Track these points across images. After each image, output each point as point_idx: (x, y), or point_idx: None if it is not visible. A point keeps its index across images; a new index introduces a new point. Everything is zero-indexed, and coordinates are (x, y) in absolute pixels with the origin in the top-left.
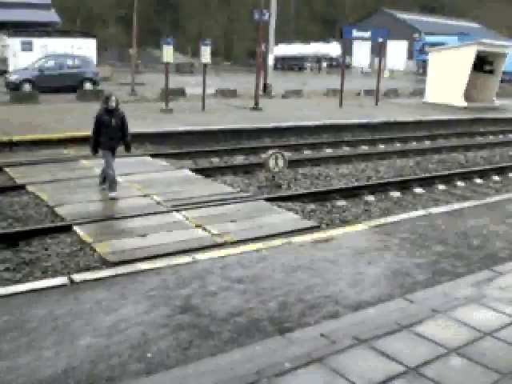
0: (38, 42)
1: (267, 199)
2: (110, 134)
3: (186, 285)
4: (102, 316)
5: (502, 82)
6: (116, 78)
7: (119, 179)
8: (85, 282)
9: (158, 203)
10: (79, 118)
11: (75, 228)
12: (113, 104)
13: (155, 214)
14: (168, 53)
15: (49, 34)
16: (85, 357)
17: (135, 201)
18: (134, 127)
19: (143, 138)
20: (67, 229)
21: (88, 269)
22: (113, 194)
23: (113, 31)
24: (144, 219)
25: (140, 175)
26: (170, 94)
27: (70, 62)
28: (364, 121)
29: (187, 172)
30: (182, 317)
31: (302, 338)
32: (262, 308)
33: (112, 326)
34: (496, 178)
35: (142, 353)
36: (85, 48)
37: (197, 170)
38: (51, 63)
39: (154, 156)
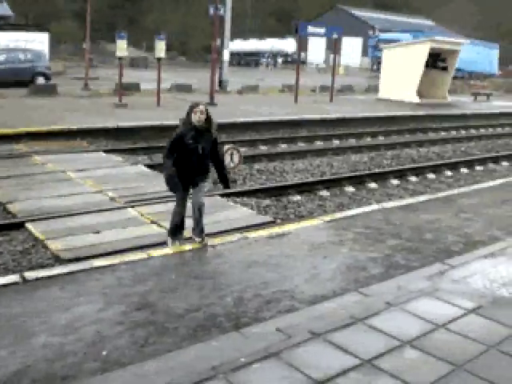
0: None
1: (223, 195)
2: (193, 166)
3: (141, 281)
4: (57, 314)
5: (454, 78)
6: (70, 72)
7: (71, 175)
8: (38, 279)
9: (113, 199)
10: (31, 112)
11: (27, 225)
12: (202, 118)
13: (109, 210)
14: (121, 47)
15: (0, 28)
16: (40, 356)
17: (89, 197)
18: (87, 122)
19: (97, 134)
20: (19, 226)
21: (41, 266)
22: (176, 243)
23: (68, 26)
24: (98, 215)
25: (94, 171)
26: (125, 89)
27: (21, 57)
28: (319, 116)
29: (142, 168)
30: (138, 314)
31: (259, 333)
32: (218, 304)
33: (67, 324)
34: (448, 173)
35: (98, 351)
36: (37, 42)
37: (152, 166)
38: (2, 57)
39: (108, 152)
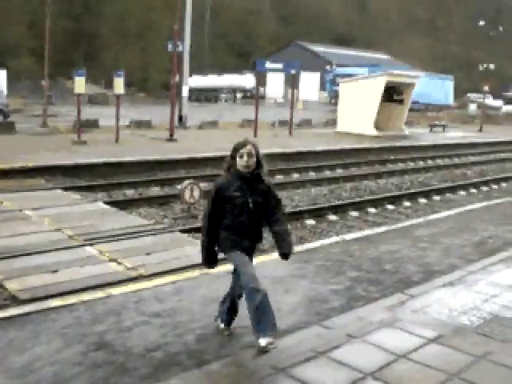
0: None
1: (183, 230)
2: (243, 224)
3: (100, 321)
4: (13, 356)
5: (411, 110)
6: (28, 109)
7: (29, 213)
8: None
9: (71, 237)
10: None
11: None
12: (251, 163)
13: (67, 248)
14: (80, 84)
15: None
16: None
17: (47, 236)
18: (44, 160)
19: (55, 171)
20: None
21: None
22: (222, 325)
23: (26, 62)
24: (56, 254)
25: (51, 209)
26: (83, 126)
27: None
28: (278, 150)
29: (101, 205)
30: (97, 354)
31: (220, 370)
32: (179, 342)
33: (25, 366)
34: (407, 203)
35: None
36: None
37: (111, 203)
38: None
39: (66, 189)
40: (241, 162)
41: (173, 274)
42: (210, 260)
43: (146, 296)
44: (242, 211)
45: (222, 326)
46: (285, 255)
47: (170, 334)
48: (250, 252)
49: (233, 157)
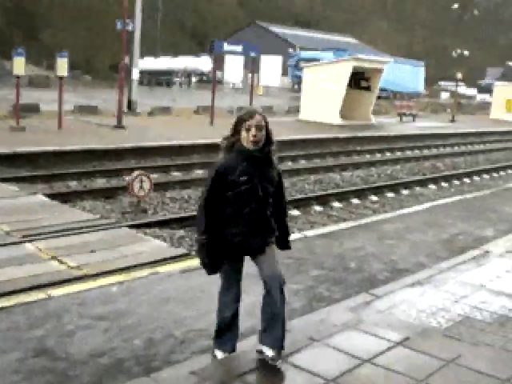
0: None
1: (131, 226)
2: (250, 221)
3: (39, 325)
4: None
5: (379, 98)
6: None
7: None
8: None
9: (8, 233)
10: None
11: None
12: (259, 137)
13: (4, 245)
14: (19, 65)
15: None
16: None
17: None
18: None
19: None
20: None
21: None
22: (219, 353)
23: None
24: None
25: None
26: (22, 111)
27: None
28: None
29: (41, 197)
30: (36, 361)
31: (170, 378)
32: (126, 347)
33: None
34: (373, 197)
35: None
36: None
37: (52, 196)
38: None
39: (2, 180)
40: (247, 137)
41: (120, 274)
42: (213, 264)
43: (91, 297)
44: (249, 200)
45: (217, 351)
46: (285, 247)
47: (115, 339)
48: (260, 252)
49: (236, 131)
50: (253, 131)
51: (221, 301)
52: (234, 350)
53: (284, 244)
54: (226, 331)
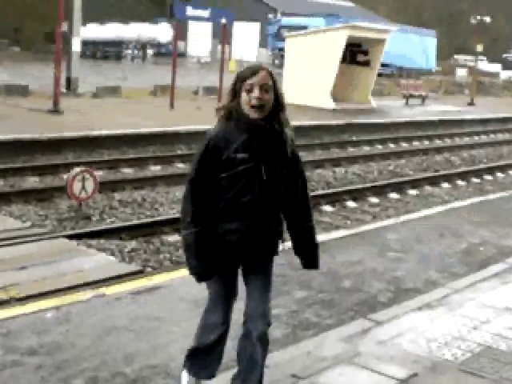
0: None
1: (71, 236)
2: (250, 215)
3: None
4: None
5: (380, 76)
6: None
7: None
8: None
9: None
10: None
11: None
12: (267, 99)
13: None
14: None
15: None
16: None
17: None
18: None
19: None
20: None
21: None
22: (185, 377)
23: None
24: None
25: None
26: None
27: None
28: (202, 127)
29: None
30: None
31: None
32: None
33: None
34: (373, 199)
35: None
36: None
37: None
38: None
39: None
40: (249, 100)
41: (56, 296)
42: (206, 267)
43: (19, 326)
44: (249, 186)
45: (188, 377)
46: (312, 266)
47: (50, 379)
48: (258, 263)
49: (235, 93)
50: (256, 92)
51: (205, 320)
52: (210, 377)
53: (310, 261)
54: (205, 355)
